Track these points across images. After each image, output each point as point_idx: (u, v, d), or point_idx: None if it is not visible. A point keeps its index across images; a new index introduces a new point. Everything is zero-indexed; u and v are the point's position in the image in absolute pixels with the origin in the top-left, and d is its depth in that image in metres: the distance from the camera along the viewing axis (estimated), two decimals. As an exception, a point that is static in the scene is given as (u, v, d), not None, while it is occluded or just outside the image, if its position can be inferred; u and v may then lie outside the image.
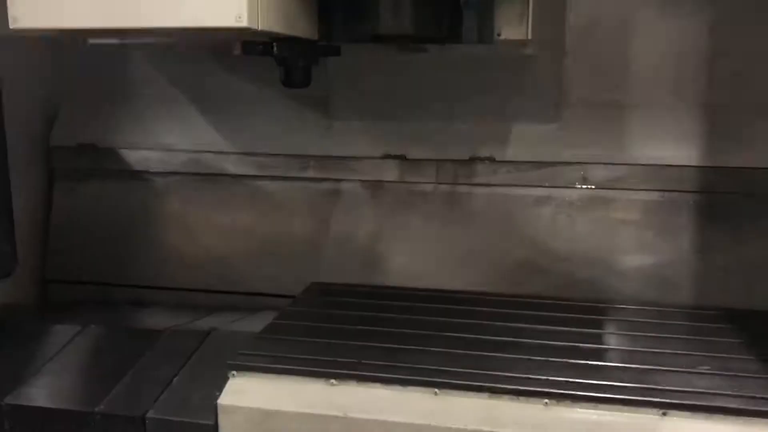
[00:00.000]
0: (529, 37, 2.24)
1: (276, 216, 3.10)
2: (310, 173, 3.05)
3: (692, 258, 2.75)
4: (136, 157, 3.18)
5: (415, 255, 2.98)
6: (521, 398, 1.86)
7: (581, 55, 2.79)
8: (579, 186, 2.83)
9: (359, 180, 3.02)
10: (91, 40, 2.69)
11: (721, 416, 1.75)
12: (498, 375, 1.93)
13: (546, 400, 1.85)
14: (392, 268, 2.98)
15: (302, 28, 2.16)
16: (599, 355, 2.12)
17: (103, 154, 3.20)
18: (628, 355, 2.13)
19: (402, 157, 2.96)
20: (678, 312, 2.53)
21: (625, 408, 1.80)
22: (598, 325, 2.41)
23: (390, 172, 2.99)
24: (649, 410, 1.79)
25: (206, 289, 3.11)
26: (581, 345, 2.16)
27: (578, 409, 1.84)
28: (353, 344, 2.15)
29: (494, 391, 1.87)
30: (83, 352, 2.48)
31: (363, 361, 2.03)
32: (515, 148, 2.86)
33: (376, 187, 3.01)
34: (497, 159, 2.88)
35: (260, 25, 1.87)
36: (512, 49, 2.37)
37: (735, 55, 2.70)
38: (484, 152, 2.88)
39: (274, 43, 2.17)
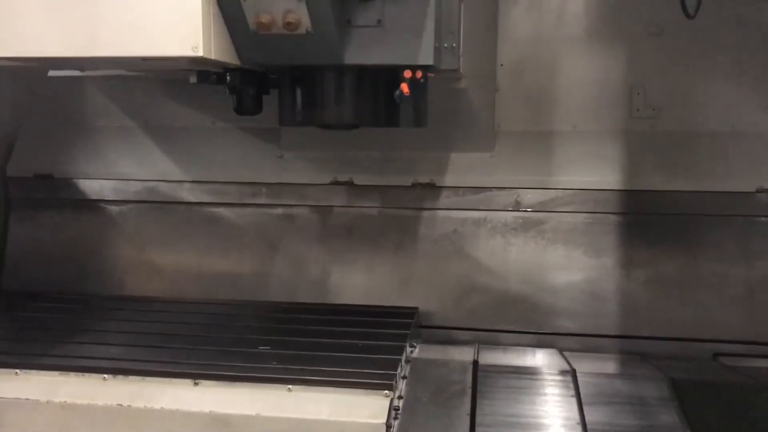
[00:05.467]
0: (461, 66, 2.45)
1: (230, 240, 3.23)
2: (263, 200, 3.21)
3: (617, 273, 2.99)
4: (92, 187, 3.30)
5: (363, 275, 3.14)
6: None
7: (511, 89, 3.05)
8: (512, 209, 3.06)
9: (309, 205, 3.19)
10: (51, 72, 2.83)
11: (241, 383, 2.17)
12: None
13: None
14: (341, 287, 3.14)
15: (253, 60, 2.33)
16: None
17: (60, 184, 3.30)
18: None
19: (349, 183, 3.15)
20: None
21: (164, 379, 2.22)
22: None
23: (338, 198, 3.17)
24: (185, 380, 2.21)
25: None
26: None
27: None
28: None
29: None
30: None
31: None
32: (453, 174, 3.08)
33: (325, 211, 3.19)
34: (437, 185, 3.09)
35: (214, 55, 2.04)
36: (447, 83, 2.58)
37: (650, 90, 3.00)
38: (424, 179, 3.09)
39: (227, 73, 2.34)
